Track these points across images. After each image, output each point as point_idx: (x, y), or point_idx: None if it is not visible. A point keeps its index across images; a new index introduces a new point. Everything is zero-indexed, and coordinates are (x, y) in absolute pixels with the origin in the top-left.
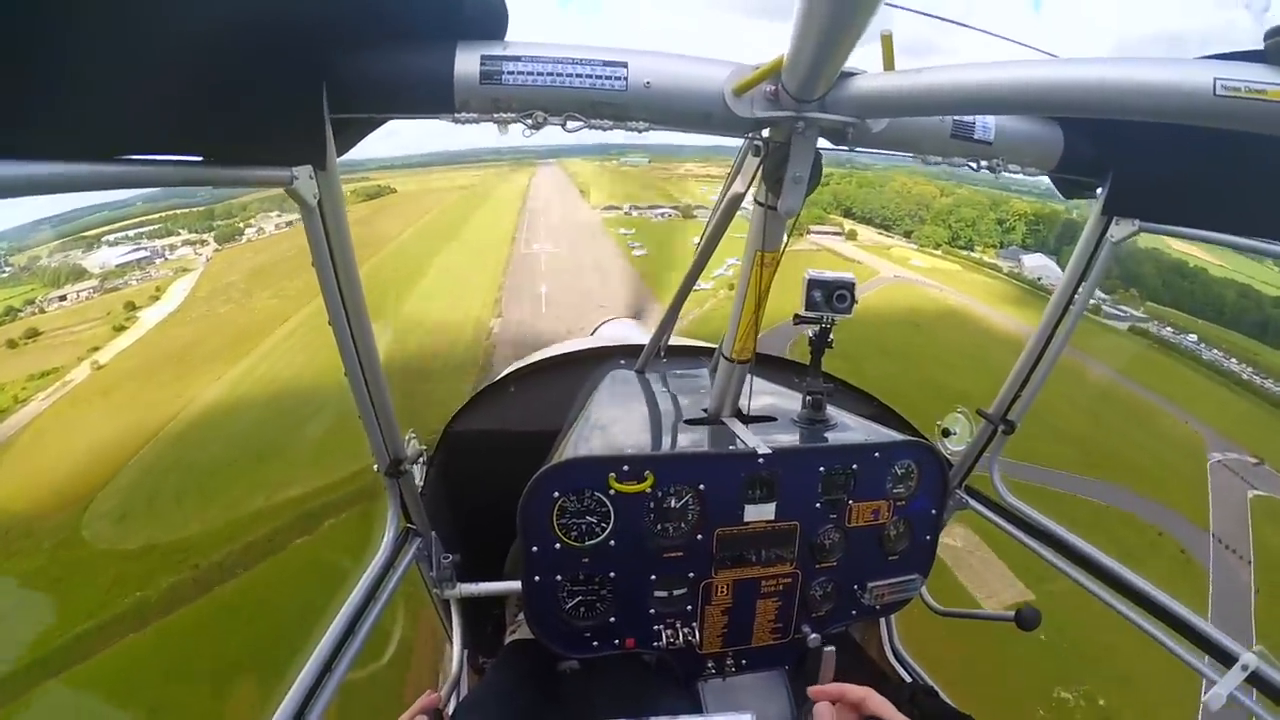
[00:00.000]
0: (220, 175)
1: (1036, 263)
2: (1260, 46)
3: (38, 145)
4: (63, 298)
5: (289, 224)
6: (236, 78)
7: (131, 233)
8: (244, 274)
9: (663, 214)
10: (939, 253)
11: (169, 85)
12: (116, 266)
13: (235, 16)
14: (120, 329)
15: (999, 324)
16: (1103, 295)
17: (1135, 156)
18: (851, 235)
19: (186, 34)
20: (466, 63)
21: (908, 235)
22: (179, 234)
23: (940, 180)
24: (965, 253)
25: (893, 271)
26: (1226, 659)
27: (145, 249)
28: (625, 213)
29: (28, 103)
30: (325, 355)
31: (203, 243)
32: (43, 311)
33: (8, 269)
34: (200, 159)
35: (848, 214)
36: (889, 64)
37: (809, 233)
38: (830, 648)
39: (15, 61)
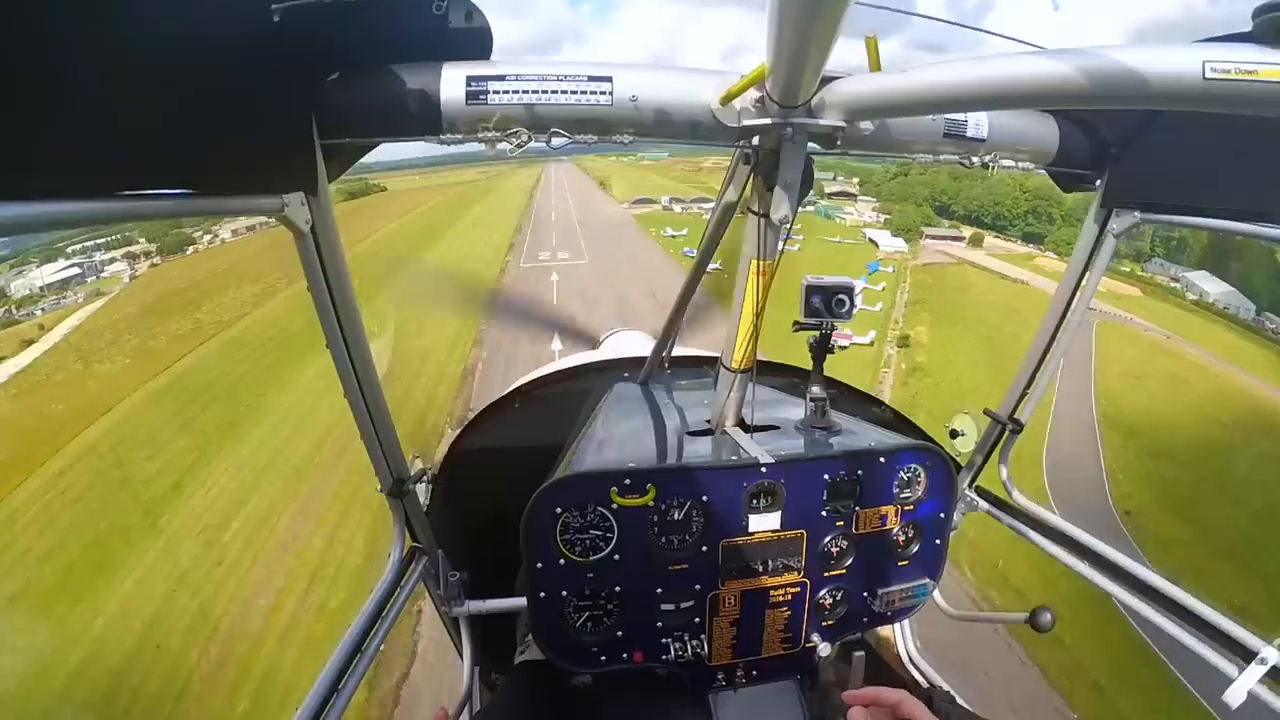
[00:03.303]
0: (212, 206)
1: (1217, 289)
2: (1248, 28)
3: (30, 185)
4: None
5: (249, 229)
6: (227, 110)
7: (90, 242)
8: (152, 301)
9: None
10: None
11: (160, 121)
12: (40, 288)
13: (224, 50)
14: None
15: None
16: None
17: (1132, 146)
18: (976, 241)
19: (176, 70)
20: (452, 84)
21: (1029, 239)
22: (139, 242)
23: None
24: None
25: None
26: (1246, 654)
27: (80, 265)
28: (665, 207)
29: (19, 143)
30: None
31: (146, 255)
32: None
33: None
34: (192, 191)
35: (942, 211)
36: (875, 65)
37: (924, 237)
38: (860, 653)
39: (5, 102)
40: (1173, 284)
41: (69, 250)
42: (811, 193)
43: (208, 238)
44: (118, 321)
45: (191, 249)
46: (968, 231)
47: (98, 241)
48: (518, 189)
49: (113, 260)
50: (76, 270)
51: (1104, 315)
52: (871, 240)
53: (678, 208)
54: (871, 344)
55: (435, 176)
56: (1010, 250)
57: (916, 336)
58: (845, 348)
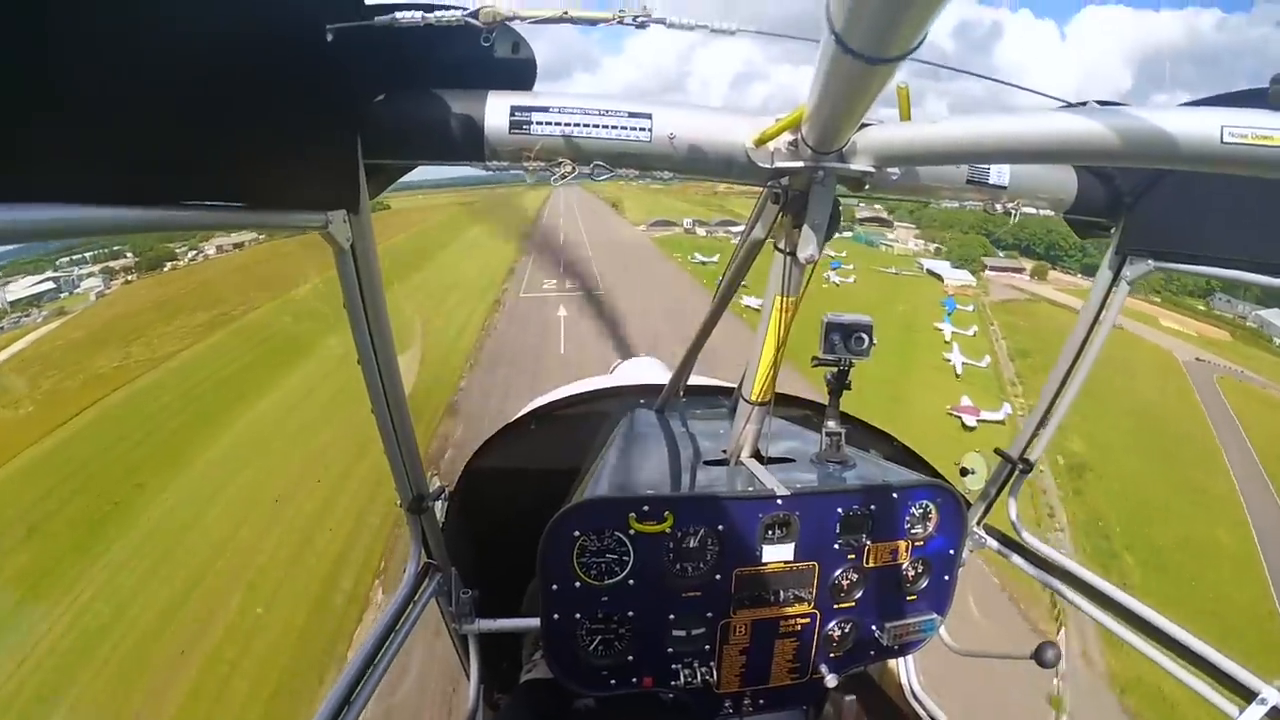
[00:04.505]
0: (259, 220)
1: None
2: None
3: (93, 191)
4: None
5: (235, 246)
6: (277, 126)
7: (78, 255)
8: (99, 328)
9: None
10: (1165, 307)
11: (213, 134)
12: (7, 304)
13: (277, 67)
14: None
15: None
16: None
17: (1148, 197)
18: (1040, 273)
19: (231, 84)
20: (496, 112)
21: (1090, 272)
22: (126, 255)
23: None
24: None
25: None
26: (1247, 694)
27: (55, 279)
28: (687, 230)
29: (81, 149)
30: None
31: (126, 270)
32: None
33: None
34: (242, 205)
35: (990, 238)
36: (905, 114)
37: (986, 269)
38: (850, 697)
39: (70, 110)
40: (1243, 322)
41: (58, 261)
42: (844, 220)
43: (191, 254)
44: (52, 351)
45: (170, 265)
46: (1027, 264)
47: (85, 255)
48: (523, 210)
49: (90, 275)
50: (51, 285)
51: (1220, 369)
52: (931, 272)
53: (701, 231)
54: (1004, 422)
55: (439, 197)
56: (1075, 284)
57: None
58: (973, 428)
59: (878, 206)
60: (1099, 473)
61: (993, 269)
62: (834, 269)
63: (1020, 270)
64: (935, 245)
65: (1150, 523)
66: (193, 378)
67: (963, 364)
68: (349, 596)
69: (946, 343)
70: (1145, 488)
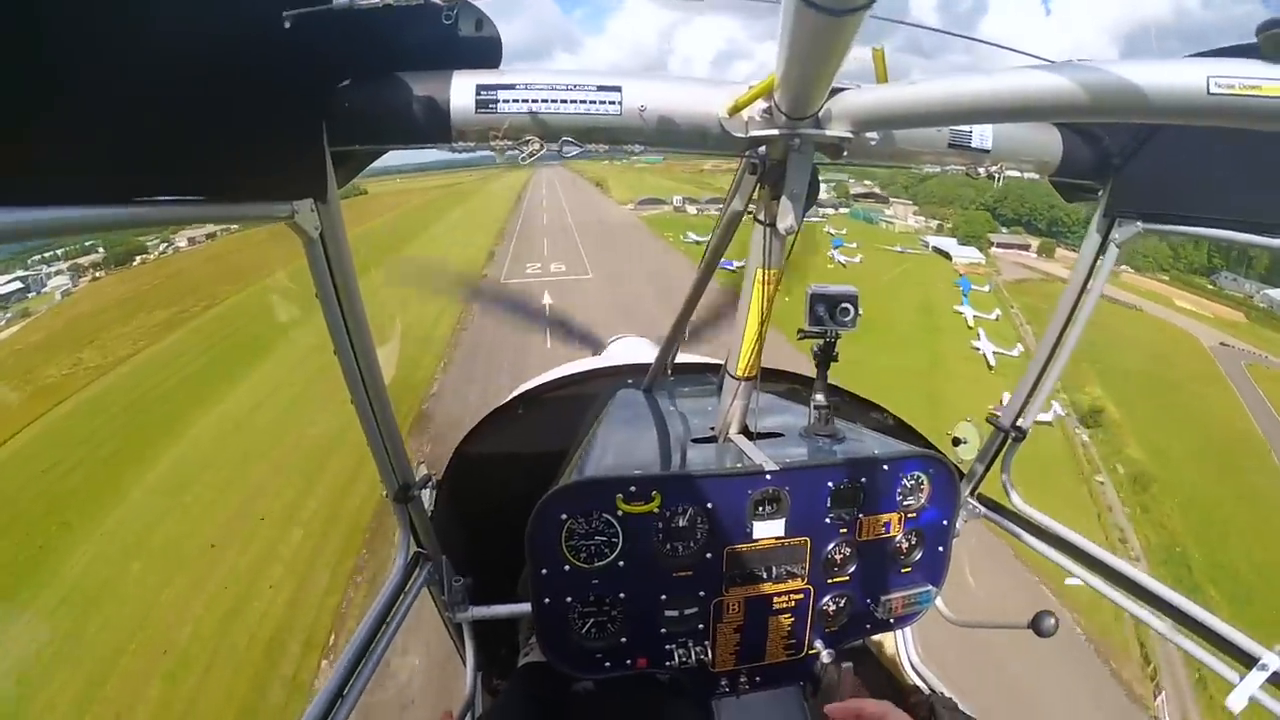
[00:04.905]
0: (222, 213)
1: None
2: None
3: (45, 192)
4: None
5: (208, 236)
6: (238, 117)
7: (51, 252)
8: (62, 327)
9: None
10: (1170, 281)
11: (171, 127)
12: None
13: (236, 57)
14: None
15: None
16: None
17: (1135, 156)
18: (1048, 251)
19: (188, 76)
20: (462, 92)
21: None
22: (98, 251)
23: None
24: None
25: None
26: (1247, 660)
27: (23, 279)
28: (676, 208)
29: (30, 148)
30: None
31: (96, 266)
32: None
33: None
34: (203, 198)
35: (992, 213)
36: (882, 77)
37: (993, 246)
38: (847, 664)
39: (20, 108)
40: (1251, 301)
41: (29, 260)
42: (837, 196)
43: (163, 246)
44: (7, 358)
45: (140, 259)
46: (1033, 240)
47: (57, 251)
48: (505, 190)
49: (59, 273)
50: (19, 285)
51: (1246, 355)
52: (938, 249)
53: (691, 209)
54: (1054, 423)
55: (418, 180)
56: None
57: (1094, 403)
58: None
59: (869, 182)
60: (1162, 482)
61: (999, 246)
62: (836, 247)
63: (1026, 247)
64: (936, 222)
65: (1224, 544)
66: (139, 388)
67: (994, 353)
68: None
69: (970, 328)
70: (1210, 499)
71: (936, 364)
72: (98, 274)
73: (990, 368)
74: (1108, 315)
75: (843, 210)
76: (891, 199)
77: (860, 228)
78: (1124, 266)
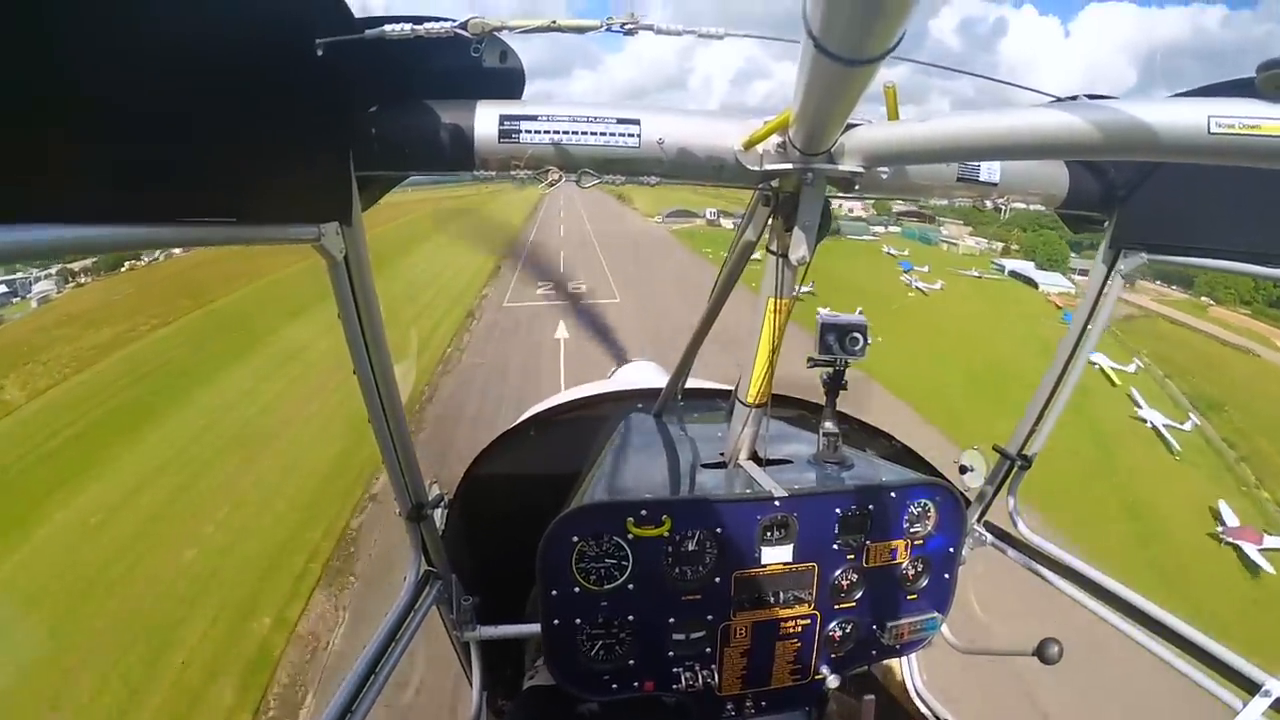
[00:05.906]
0: (250, 235)
1: None
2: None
3: (79, 210)
4: None
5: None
6: (270, 141)
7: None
8: (25, 336)
9: None
10: (1262, 320)
11: (204, 150)
12: None
13: (268, 82)
14: None
15: None
16: None
17: (1139, 189)
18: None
19: (222, 101)
20: (485, 122)
21: (1162, 278)
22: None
23: None
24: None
25: None
26: (1250, 686)
27: (7, 284)
28: (710, 221)
29: (68, 168)
30: None
31: (85, 272)
32: None
33: None
34: (233, 220)
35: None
36: (893, 114)
37: (1074, 272)
38: (870, 696)
39: (57, 128)
40: None
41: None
42: (878, 213)
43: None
44: None
45: (128, 265)
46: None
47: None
48: (520, 201)
49: (47, 276)
50: (3, 289)
51: None
52: (1016, 275)
53: (726, 223)
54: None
55: (424, 192)
56: (1162, 294)
57: None
58: (1259, 567)
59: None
60: None
61: (1079, 274)
62: (906, 270)
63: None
64: (1001, 244)
65: None
66: (84, 405)
67: (1165, 426)
68: None
69: (1114, 384)
70: None
71: (1108, 448)
72: (83, 279)
73: (1173, 452)
74: (1232, 361)
75: (893, 229)
76: (937, 217)
77: (917, 248)
78: (1204, 299)
